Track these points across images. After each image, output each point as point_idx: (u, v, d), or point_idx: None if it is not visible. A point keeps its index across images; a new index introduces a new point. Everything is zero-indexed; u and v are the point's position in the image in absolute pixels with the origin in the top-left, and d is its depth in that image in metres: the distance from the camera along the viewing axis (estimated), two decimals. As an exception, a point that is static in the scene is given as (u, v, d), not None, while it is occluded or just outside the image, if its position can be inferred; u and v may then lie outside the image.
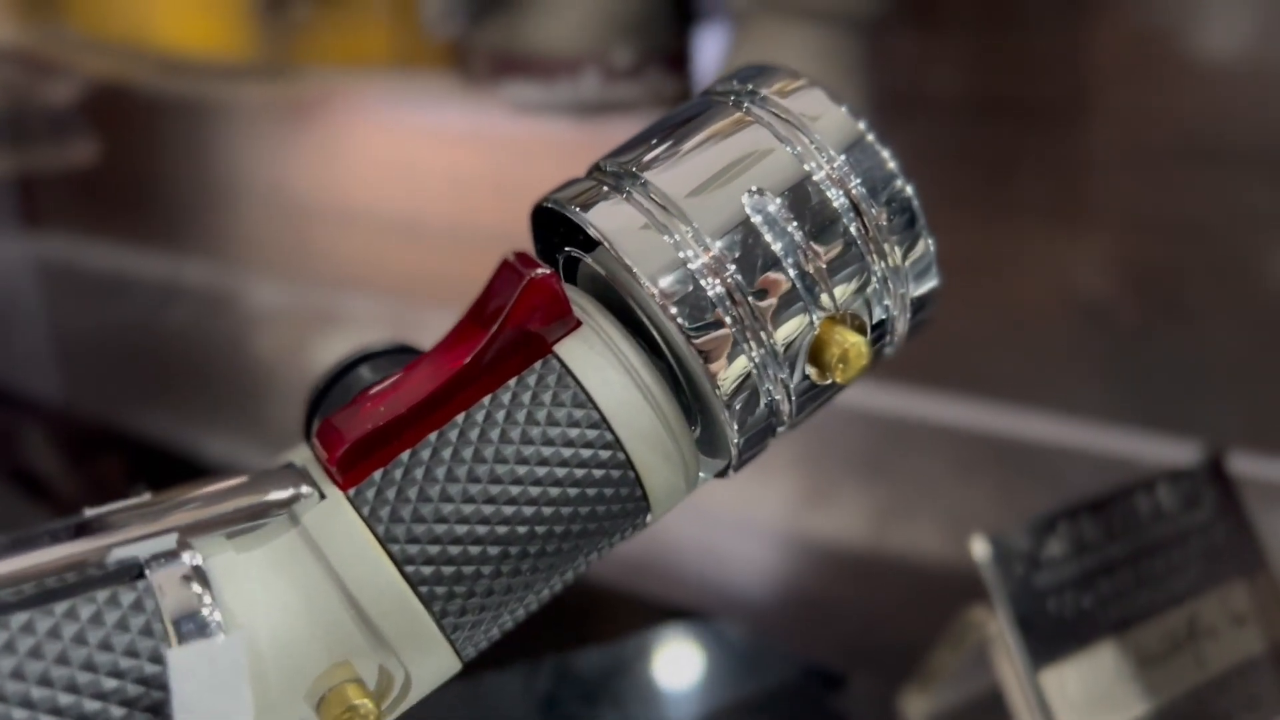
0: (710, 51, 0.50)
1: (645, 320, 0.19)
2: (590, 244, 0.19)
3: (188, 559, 0.17)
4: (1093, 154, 0.53)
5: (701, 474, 0.20)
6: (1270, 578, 0.39)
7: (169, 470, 0.64)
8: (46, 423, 0.79)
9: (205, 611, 0.16)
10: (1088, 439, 0.54)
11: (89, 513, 0.18)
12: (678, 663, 0.43)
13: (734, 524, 0.61)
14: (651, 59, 0.48)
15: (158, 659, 0.16)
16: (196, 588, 0.16)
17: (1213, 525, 0.38)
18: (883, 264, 0.20)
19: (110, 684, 0.16)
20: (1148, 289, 0.53)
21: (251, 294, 0.80)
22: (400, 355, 0.20)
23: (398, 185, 0.70)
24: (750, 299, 0.19)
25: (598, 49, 0.47)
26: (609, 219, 0.19)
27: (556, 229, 0.20)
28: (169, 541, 0.17)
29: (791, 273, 0.19)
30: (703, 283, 0.19)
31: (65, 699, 0.15)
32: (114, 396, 0.83)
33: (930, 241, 0.20)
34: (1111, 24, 0.50)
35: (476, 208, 0.66)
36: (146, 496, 0.18)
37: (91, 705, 0.16)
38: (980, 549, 0.34)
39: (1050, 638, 0.34)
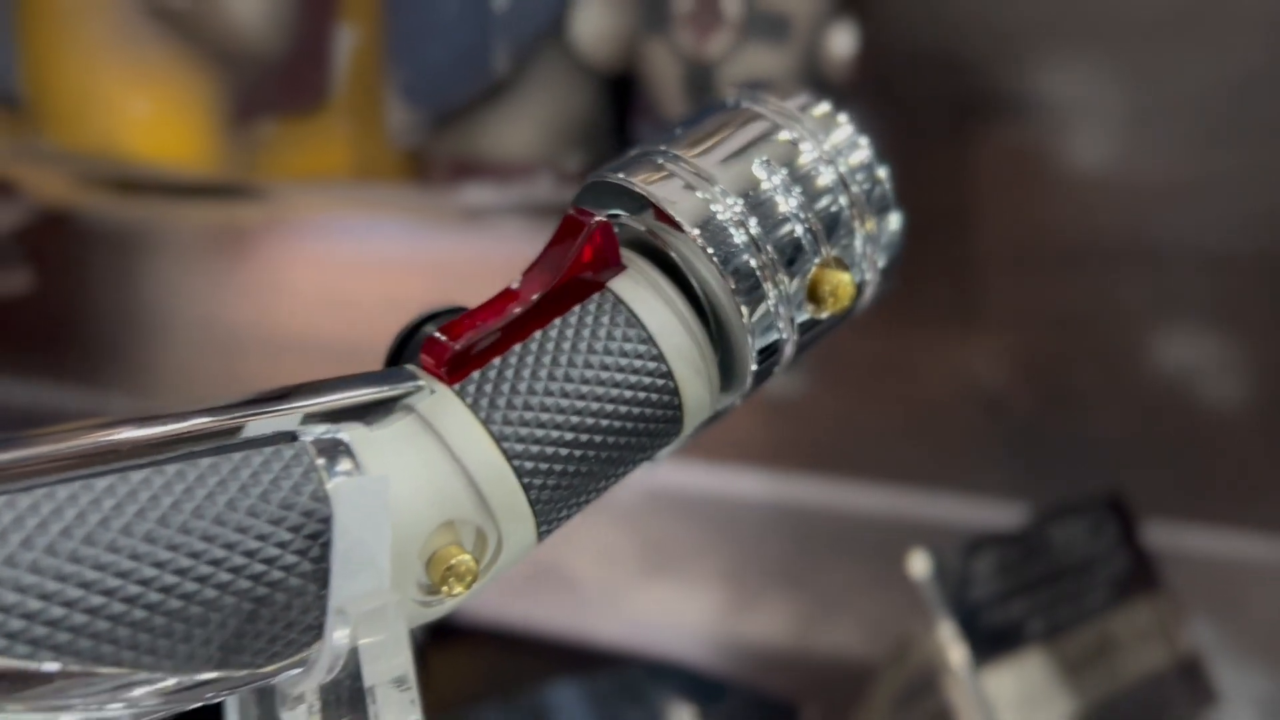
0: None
1: (679, 265, 0.24)
2: (634, 207, 0.24)
3: (326, 430, 0.20)
4: (982, 258, 0.58)
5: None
6: (1170, 599, 0.43)
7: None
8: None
9: (353, 464, 0.20)
10: (990, 519, 0.58)
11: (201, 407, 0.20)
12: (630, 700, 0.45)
13: (662, 630, 0.63)
14: (597, 164, 0.53)
15: (319, 497, 0.19)
16: (343, 447, 0.20)
17: (1115, 552, 0.43)
18: (863, 230, 0.24)
19: (281, 514, 0.19)
20: (1039, 379, 0.58)
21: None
22: (459, 310, 0.24)
23: (334, 313, 0.71)
24: (769, 248, 0.23)
25: (549, 156, 0.52)
26: (655, 182, 0.24)
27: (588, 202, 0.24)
28: (299, 419, 0.20)
29: (799, 230, 0.24)
30: (731, 231, 0.23)
31: (247, 521, 0.19)
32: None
33: (900, 215, 0.25)
34: (992, 142, 0.55)
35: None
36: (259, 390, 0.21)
37: (265, 528, 0.19)
38: (920, 563, 0.38)
39: (986, 643, 0.38)
